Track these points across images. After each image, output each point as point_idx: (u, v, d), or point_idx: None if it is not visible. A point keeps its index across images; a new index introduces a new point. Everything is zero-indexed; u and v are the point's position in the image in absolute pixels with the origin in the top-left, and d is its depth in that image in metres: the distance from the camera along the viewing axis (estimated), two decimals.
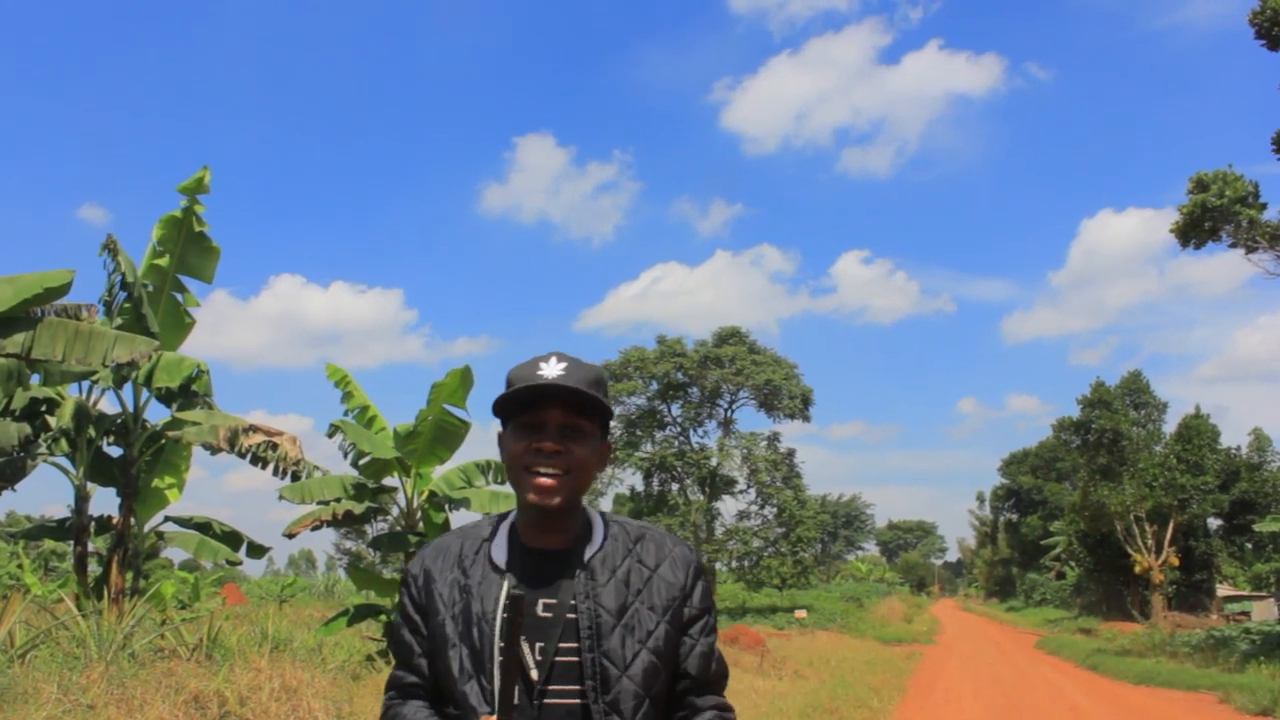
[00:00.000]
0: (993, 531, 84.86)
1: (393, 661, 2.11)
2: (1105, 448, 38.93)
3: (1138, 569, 37.76)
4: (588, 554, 1.98)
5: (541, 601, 1.91)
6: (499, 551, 1.99)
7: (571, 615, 1.90)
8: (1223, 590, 41.40)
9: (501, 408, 1.99)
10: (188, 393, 15.01)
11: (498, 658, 1.85)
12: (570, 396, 1.94)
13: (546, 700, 1.85)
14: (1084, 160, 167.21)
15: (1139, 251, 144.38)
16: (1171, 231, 23.40)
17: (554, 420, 1.95)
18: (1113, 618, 42.15)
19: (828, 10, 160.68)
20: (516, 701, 1.82)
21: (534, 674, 1.86)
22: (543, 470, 1.92)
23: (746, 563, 45.10)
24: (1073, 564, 52.53)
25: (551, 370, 1.95)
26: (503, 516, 2.08)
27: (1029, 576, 69.26)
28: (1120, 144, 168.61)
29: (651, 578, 1.98)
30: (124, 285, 13.68)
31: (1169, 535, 37.12)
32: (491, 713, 1.83)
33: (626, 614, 1.92)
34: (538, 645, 1.87)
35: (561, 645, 1.88)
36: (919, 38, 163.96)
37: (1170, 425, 43.09)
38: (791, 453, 46.70)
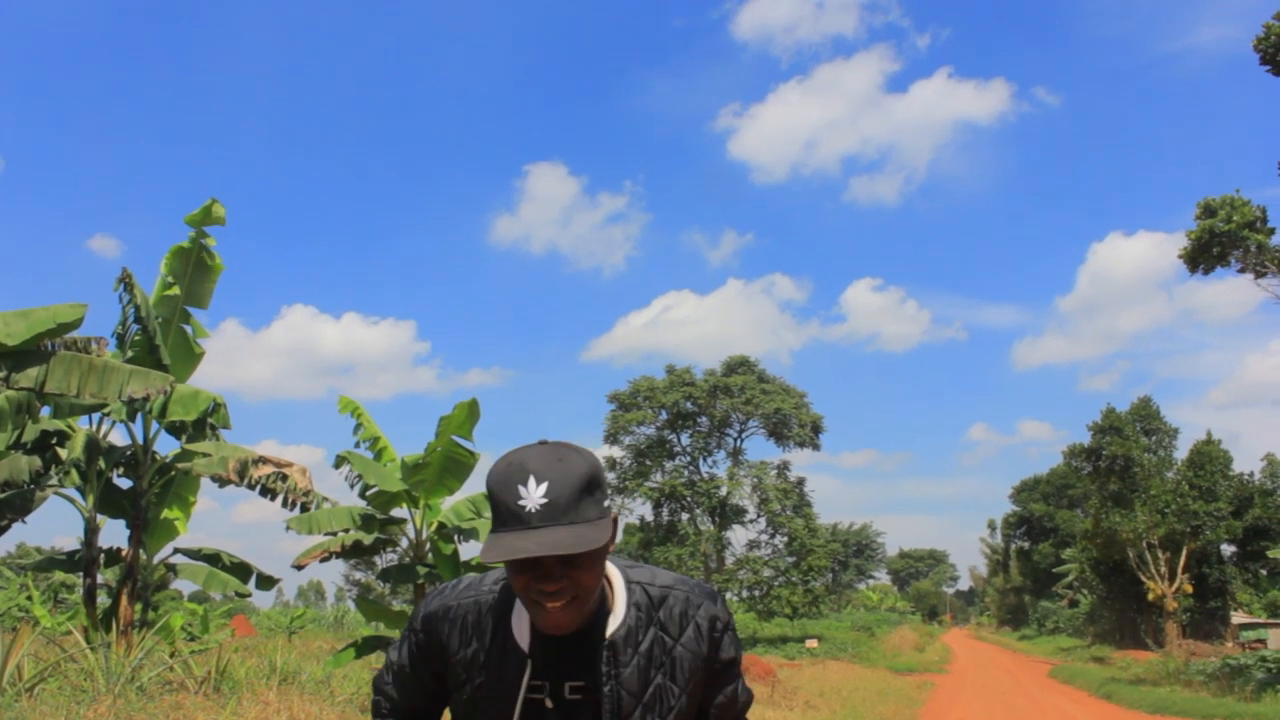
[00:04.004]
0: (1004, 559, 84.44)
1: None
2: (1116, 474, 38.75)
3: (1151, 596, 37.52)
4: (610, 629, 1.92)
5: (568, 685, 1.89)
6: (520, 629, 1.92)
7: (597, 697, 1.89)
8: (1237, 618, 41.05)
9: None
10: (202, 425, 15.06)
11: None
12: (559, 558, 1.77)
13: None
14: (1093, 184, 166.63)
15: (1148, 276, 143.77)
16: (1180, 257, 23.41)
17: (549, 561, 1.77)
18: (1126, 646, 41.89)
19: (836, 36, 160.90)
20: None
21: None
22: (549, 605, 1.78)
23: (757, 592, 44.98)
24: (1085, 592, 52.22)
25: (532, 501, 1.74)
26: None
27: (1041, 604, 68.88)
28: (1130, 168, 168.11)
29: (674, 649, 1.95)
30: (138, 318, 13.75)
31: (1182, 562, 36.89)
32: None
33: (648, 692, 1.91)
34: None
35: None
36: (928, 66, 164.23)
37: (1182, 451, 42.97)
38: (801, 481, 46.70)
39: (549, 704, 1.87)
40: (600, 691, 1.87)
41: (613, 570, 1.98)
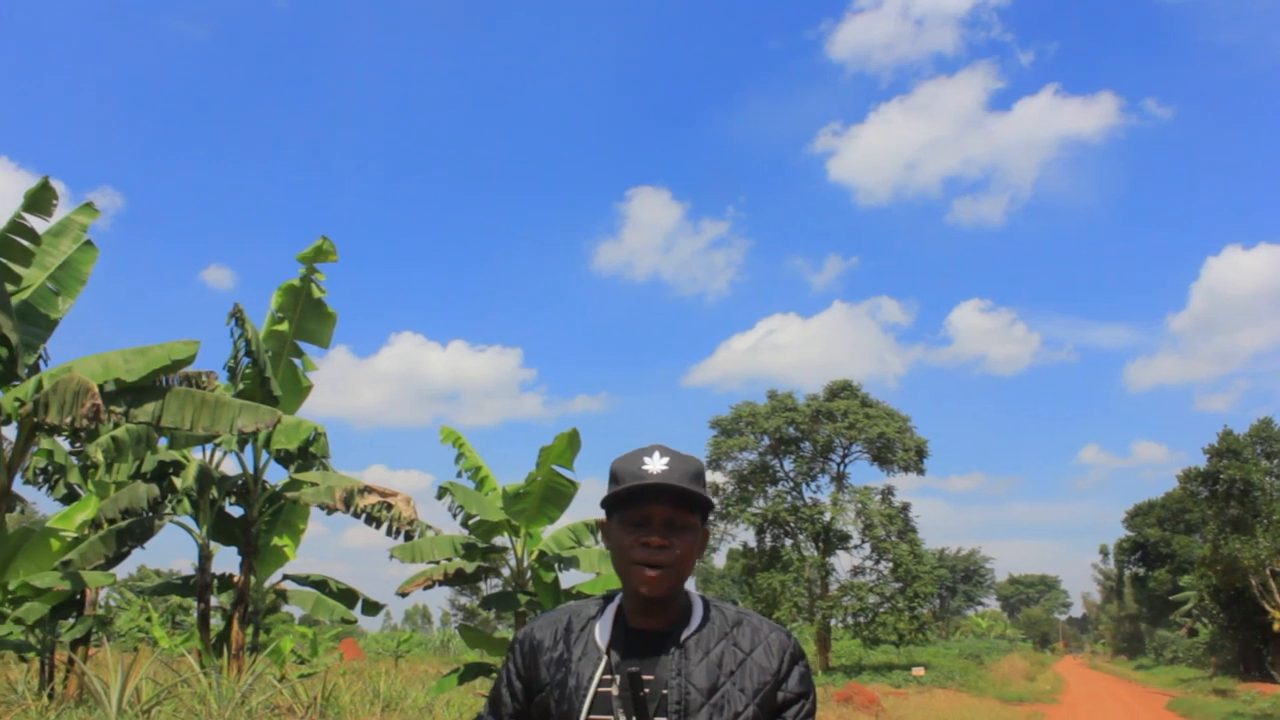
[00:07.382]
0: (1118, 586, 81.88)
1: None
2: (1235, 498, 37.45)
3: (1276, 626, 36.06)
4: (684, 635, 2.06)
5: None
6: (603, 630, 2.10)
7: (665, 691, 1.97)
8: None
9: (610, 503, 2.10)
10: (305, 454, 15.47)
11: None
12: (675, 496, 2.03)
13: None
14: (1207, 198, 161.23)
15: (1267, 291, 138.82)
16: None
17: (659, 515, 2.04)
18: (1251, 678, 40.31)
19: (936, 54, 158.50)
20: None
21: None
22: (649, 563, 2.02)
23: (862, 619, 44.32)
24: (1205, 620, 50.41)
25: (655, 465, 2.04)
26: (610, 597, 2.18)
27: (1159, 633, 66.65)
28: (1247, 179, 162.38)
29: (745, 661, 2.04)
30: (248, 352, 14.22)
31: None
32: None
33: (716, 694, 1.98)
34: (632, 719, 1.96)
35: None
36: (1033, 82, 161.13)
37: None
38: (906, 506, 45.90)
39: (615, 693, 1.98)
40: (668, 687, 1.98)
41: (696, 595, 2.17)
